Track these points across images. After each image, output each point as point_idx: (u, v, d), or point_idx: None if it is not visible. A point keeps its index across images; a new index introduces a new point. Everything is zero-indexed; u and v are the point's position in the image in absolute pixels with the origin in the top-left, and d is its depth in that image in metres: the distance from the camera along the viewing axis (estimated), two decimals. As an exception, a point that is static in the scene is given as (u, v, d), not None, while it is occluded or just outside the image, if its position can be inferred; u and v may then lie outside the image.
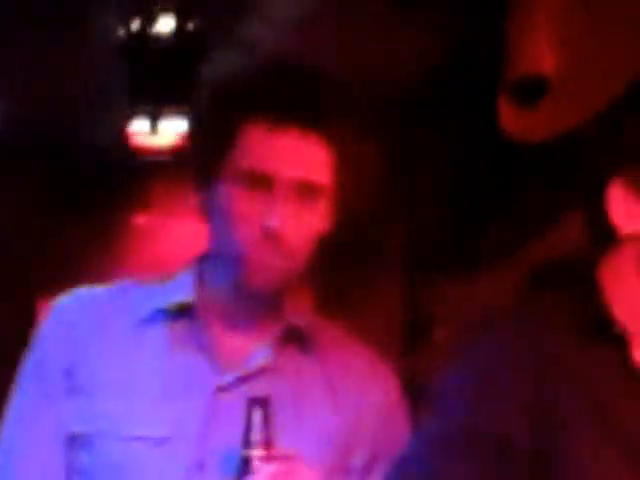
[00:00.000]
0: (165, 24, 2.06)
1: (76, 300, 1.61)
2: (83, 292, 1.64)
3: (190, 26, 2.04)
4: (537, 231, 2.42)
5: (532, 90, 2.39)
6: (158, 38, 2.08)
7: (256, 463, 1.52)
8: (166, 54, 2.03)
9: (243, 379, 1.55)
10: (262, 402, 1.51)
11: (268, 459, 1.51)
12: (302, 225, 1.45)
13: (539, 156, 2.39)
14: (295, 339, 1.58)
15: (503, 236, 2.42)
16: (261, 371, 1.54)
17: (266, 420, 1.52)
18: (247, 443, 1.51)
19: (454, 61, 2.18)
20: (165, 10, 2.05)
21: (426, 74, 2.19)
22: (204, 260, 1.57)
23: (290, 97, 1.50)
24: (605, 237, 1.83)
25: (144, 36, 2.05)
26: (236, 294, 1.54)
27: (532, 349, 1.82)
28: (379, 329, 2.22)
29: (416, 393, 2.15)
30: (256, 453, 1.52)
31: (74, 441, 1.56)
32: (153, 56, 2.01)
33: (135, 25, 2.05)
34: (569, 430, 1.78)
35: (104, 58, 2.02)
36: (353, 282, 2.28)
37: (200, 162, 1.56)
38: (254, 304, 1.54)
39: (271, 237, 1.45)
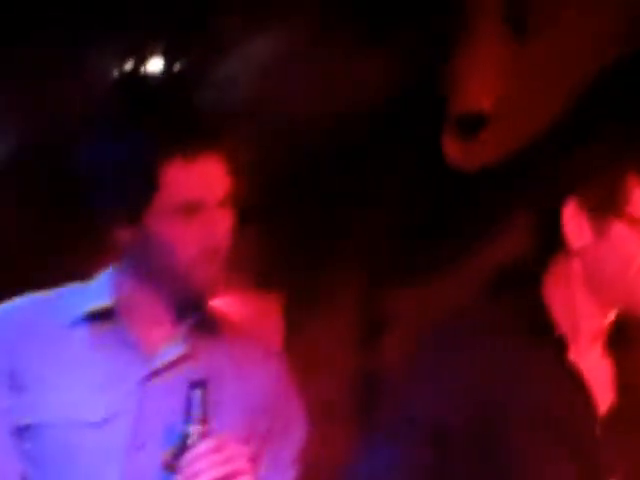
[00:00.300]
0: (154, 65, 2.31)
1: (11, 309, 1.83)
2: (18, 301, 1.84)
3: (176, 67, 2.28)
4: (480, 241, 2.73)
5: (472, 124, 2.54)
6: (148, 77, 2.33)
7: (194, 438, 1.74)
8: (155, 91, 2.26)
9: (165, 367, 1.80)
10: (200, 384, 1.73)
11: (205, 434, 1.72)
12: (229, 233, 1.73)
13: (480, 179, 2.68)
14: (205, 330, 1.85)
15: (450, 244, 2.72)
16: (180, 359, 1.80)
17: (203, 400, 1.75)
18: (187, 420, 1.73)
19: (407, 99, 2.44)
20: (155, 52, 2.30)
21: (384, 107, 2.45)
22: (121, 273, 1.81)
23: (192, 134, 1.75)
24: (553, 249, 2.14)
25: (136, 75, 2.29)
26: (157, 297, 1.81)
27: (483, 350, 1.99)
28: (338, 327, 2.51)
29: (371, 383, 2.45)
30: (195, 429, 1.74)
31: (23, 433, 1.76)
32: (143, 93, 2.25)
33: (128, 65, 2.29)
34: (511, 423, 1.94)
35: (101, 94, 2.25)
36: (314, 284, 2.55)
37: (126, 207, 1.75)
38: (176, 303, 1.80)
39: (215, 254, 1.72)
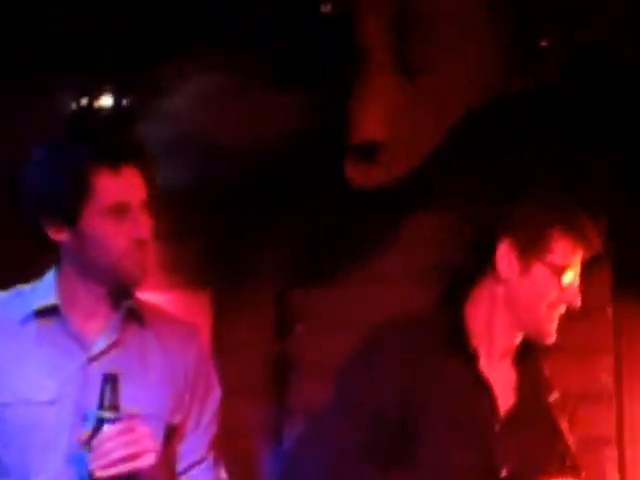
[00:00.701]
0: (105, 100, 2.71)
1: None
2: None
3: (125, 102, 2.69)
4: (373, 249, 3.17)
5: (368, 151, 2.95)
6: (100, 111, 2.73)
7: (106, 422, 2.05)
8: (107, 124, 2.67)
9: (100, 354, 2.13)
10: (112, 377, 2.02)
11: (115, 420, 2.03)
12: (151, 229, 2.10)
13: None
14: (134, 318, 2.20)
15: (350, 252, 3.13)
16: (112, 345, 2.15)
17: (114, 390, 2.03)
18: (101, 407, 2.03)
19: (316, 131, 2.87)
20: (106, 89, 2.70)
21: (298, 138, 2.86)
22: (62, 271, 2.17)
23: (116, 150, 2.14)
24: (481, 274, 2.53)
25: (89, 110, 2.70)
26: (94, 292, 2.17)
27: (411, 356, 2.48)
28: (258, 319, 2.95)
29: (283, 364, 2.87)
30: (107, 415, 2.03)
31: None
32: (96, 125, 2.66)
33: (83, 101, 2.69)
34: (428, 417, 2.45)
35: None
36: (239, 282, 2.97)
37: (61, 212, 2.09)
38: (109, 296, 2.16)
39: (141, 245, 2.10)
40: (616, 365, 3.41)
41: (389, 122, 3.00)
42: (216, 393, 2.36)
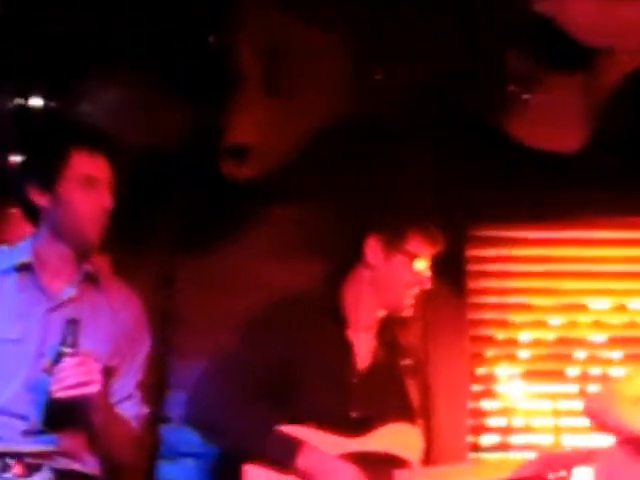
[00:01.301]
0: (35, 102, 3.32)
1: None
2: None
3: (52, 105, 3.27)
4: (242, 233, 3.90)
5: (240, 151, 3.59)
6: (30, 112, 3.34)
7: (66, 356, 2.59)
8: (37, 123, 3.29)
9: (61, 304, 2.68)
10: (74, 321, 2.58)
11: (73, 354, 2.59)
12: (112, 201, 2.74)
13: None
14: (90, 280, 2.80)
15: (226, 232, 3.85)
16: (72, 299, 2.71)
17: (75, 332, 2.58)
18: (63, 344, 2.57)
19: (200, 134, 3.53)
20: (36, 92, 3.32)
21: (186, 141, 3.51)
22: (38, 235, 2.71)
23: (94, 139, 2.81)
24: (355, 262, 3.29)
25: (22, 110, 3.32)
26: (62, 255, 2.74)
27: (295, 323, 3.25)
28: (147, 279, 3.55)
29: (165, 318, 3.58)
30: (67, 350, 2.58)
31: None
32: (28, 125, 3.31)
33: (18, 101, 3.29)
34: (303, 369, 3.17)
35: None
36: (134, 250, 3.64)
37: (42, 180, 2.69)
38: (74, 258, 2.73)
39: (103, 212, 2.70)
40: (423, 333, 4.00)
41: (257, 130, 3.59)
42: (146, 344, 2.99)
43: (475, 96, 3.77)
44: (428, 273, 3.43)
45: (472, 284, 4.24)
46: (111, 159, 2.94)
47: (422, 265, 3.41)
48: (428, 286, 3.46)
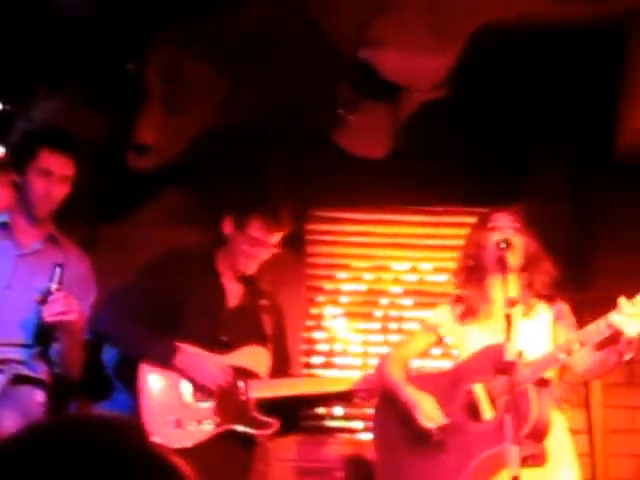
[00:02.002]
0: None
1: None
2: None
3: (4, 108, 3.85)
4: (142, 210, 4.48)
5: (142, 148, 4.11)
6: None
7: (55, 291, 3.07)
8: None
9: (28, 254, 3.28)
10: (60, 265, 3.06)
11: (59, 290, 3.08)
12: (64, 192, 3.33)
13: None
14: (52, 241, 3.39)
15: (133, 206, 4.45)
16: (37, 251, 3.31)
17: (61, 273, 3.07)
18: (51, 281, 3.06)
19: (118, 136, 4.10)
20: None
21: (103, 139, 4.07)
22: (14, 205, 3.31)
23: (59, 140, 3.35)
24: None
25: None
26: (28, 218, 3.30)
27: (181, 268, 3.75)
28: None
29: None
30: (55, 286, 3.08)
31: None
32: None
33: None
34: (186, 304, 3.70)
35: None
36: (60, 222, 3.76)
37: (19, 167, 3.28)
38: (36, 223, 3.29)
39: (53, 197, 3.28)
40: (274, 283, 4.39)
41: (155, 134, 4.15)
42: (94, 293, 3.54)
43: (316, 114, 4.34)
44: (270, 247, 3.85)
45: (309, 249, 4.83)
46: (75, 158, 3.50)
47: (273, 239, 3.83)
48: (267, 257, 3.87)
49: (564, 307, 3.71)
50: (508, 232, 3.62)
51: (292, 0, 4.03)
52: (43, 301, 3.20)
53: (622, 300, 3.29)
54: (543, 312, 3.71)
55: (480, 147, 4.71)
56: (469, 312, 3.72)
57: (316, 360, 4.88)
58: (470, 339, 3.72)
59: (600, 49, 4.29)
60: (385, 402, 3.79)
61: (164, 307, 3.76)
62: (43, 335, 3.28)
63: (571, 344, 3.45)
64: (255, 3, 4.05)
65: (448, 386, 3.65)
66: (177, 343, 3.69)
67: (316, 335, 4.93)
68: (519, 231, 3.68)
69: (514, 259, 3.59)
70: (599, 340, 3.40)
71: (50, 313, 3.23)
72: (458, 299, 3.80)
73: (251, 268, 3.88)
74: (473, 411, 3.55)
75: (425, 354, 4.19)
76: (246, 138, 4.46)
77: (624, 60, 4.30)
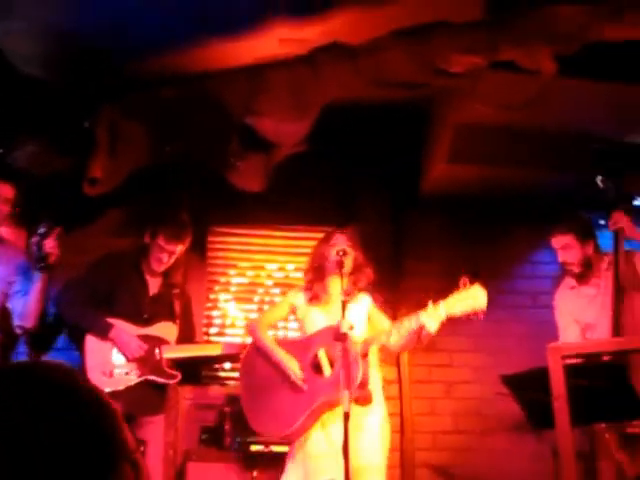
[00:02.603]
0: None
1: None
2: None
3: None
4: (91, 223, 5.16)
5: (93, 180, 4.43)
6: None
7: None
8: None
9: None
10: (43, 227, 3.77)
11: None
12: (7, 210, 3.98)
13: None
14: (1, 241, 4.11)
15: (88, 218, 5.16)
16: None
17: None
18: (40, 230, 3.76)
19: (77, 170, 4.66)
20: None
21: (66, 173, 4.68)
22: None
23: (6, 174, 4.02)
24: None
25: None
26: None
27: (116, 265, 4.40)
28: None
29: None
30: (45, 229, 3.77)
31: None
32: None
33: None
34: (119, 293, 4.31)
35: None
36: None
37: None
38: None
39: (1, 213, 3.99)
40: (184, 276, 4.73)
41: (102, 169, 4.55)
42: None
43: (215, 160, 4.81)
44: (173, 254, 4.27)
45: (209, 254, 5.47)
46: (17, 185, 4.00)
47: (172, 250, 4.28)
48: (171, 261, 4.28)
49: (376, 297, 4.31)
50: (344, 247, 4.14)
51: (197, 83, 4.40)
52: (43, 236, 3.72)
53: (430, 304, 3.78)
54: (364, 300, 4.24)
55: (326, 184, 5.39)
56: (314, 298, 4.19)
57: (213, 330, 5.39)
58: (313, 317, 4.19)
59: (411, 120, 5.08)
60: (253, 354, 4.18)
61: (103, 294, 4.29)
62: (43, 259, 3.76)
63: (390, 331, 3.96)
64: (171, 83, 4.45)
65: (302, 350, 4.10)
66: (112, 320, 4.17)
67: (214, 313, 5.43)
68: (351, 247, 4.16)
69: (347, 265, 4.09)
70: (409, 330, 3.87)
71: (49, 246, 3.74)
72: (307, 287, 4.25)
73: (161, 268, 4.35)
74: (318, 368, 4.03)
75: (284, 320, 4.65)
76: (165, 175, 5.02)
77: (427, 128, 5.18)
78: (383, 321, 4.23)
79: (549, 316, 4.51)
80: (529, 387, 3.44)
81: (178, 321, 4.38)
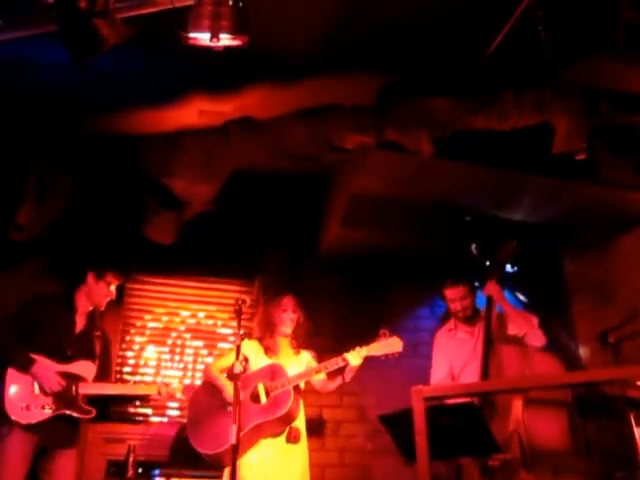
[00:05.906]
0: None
1: None
2: None
3: None
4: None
5: (20, 227, 4.50)
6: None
7: None
8: None
9: None
10: None
11: None
12: None
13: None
14: None
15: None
16: None
17: None
18: None
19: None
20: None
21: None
22: None
23: None
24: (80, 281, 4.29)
25: None
26: None
27: (42, 305, 4.16)
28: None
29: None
30: None
31: None
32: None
33: None
34: (42, 326, 3.98)
35: None
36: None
37: None
38: None
39: None
40: (103, 319, 4.70)
41: (28, 218, 4.50)
42: None
43: (135, 216, 4.75)
44: (112, 294, 4.35)
45: (127, 299, 5.36)
46: None
47: (110, 290, 4.33)
48: (109, 300, 4.36)
49: (311, 353, 4.52)
50: (293, 311, 4.40)
51: (123, 144, 4.48)
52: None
53: (355, 348, 4.10)
54: (304, 355, 4.43)
55: (234, 240, 5.29)
56: (268, 350, 4.33)
57: (126, 369, 5.21)
58: (261, 363, 4.34)
59: (314, 184, 5.11)
60: (201, 391, 4.26)
61: (27, 331, 4.08)
62: None
63: (318, 368, 4.18)
64: (102, 141, 4.50)
65: (246, 383, 4.15)
66: (34, 356, 3.98)
67: (128, 354, 5.26)
68: (296, 311, 4.41)
69: (292, 326, 4.41)
70: (335, 368, 4.10)
71: None
72: (259, 340, 4.41)
73: (104, 305, 4.29)
74: (256, 398, 4.12)
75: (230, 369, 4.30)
76: (91, 227, 4.94)
77: (327, 192, 5.21)
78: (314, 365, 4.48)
79: (428, 364, 4.54)
80: (401, 425, 3.45)
81: (97, 360, 4.29)
